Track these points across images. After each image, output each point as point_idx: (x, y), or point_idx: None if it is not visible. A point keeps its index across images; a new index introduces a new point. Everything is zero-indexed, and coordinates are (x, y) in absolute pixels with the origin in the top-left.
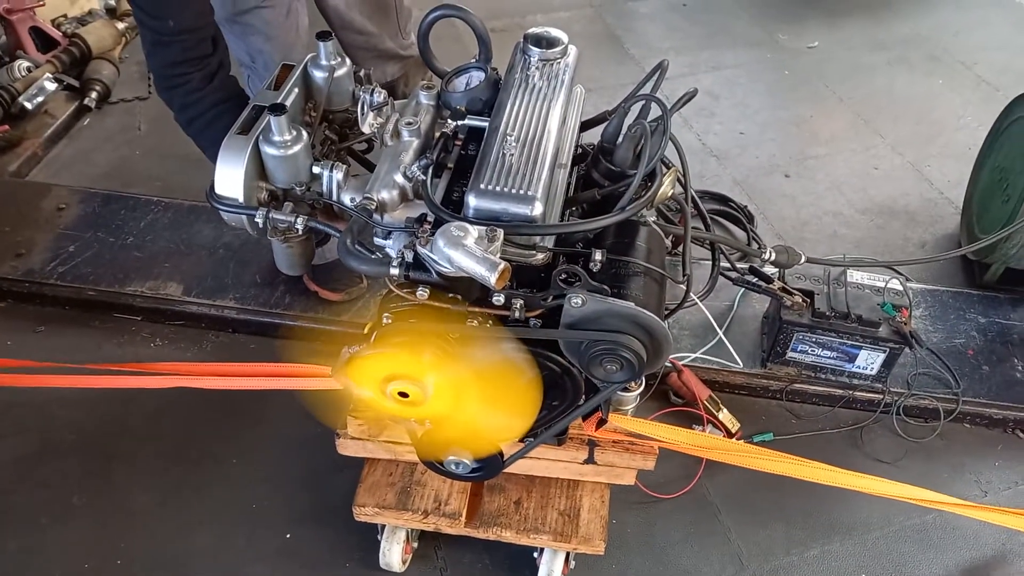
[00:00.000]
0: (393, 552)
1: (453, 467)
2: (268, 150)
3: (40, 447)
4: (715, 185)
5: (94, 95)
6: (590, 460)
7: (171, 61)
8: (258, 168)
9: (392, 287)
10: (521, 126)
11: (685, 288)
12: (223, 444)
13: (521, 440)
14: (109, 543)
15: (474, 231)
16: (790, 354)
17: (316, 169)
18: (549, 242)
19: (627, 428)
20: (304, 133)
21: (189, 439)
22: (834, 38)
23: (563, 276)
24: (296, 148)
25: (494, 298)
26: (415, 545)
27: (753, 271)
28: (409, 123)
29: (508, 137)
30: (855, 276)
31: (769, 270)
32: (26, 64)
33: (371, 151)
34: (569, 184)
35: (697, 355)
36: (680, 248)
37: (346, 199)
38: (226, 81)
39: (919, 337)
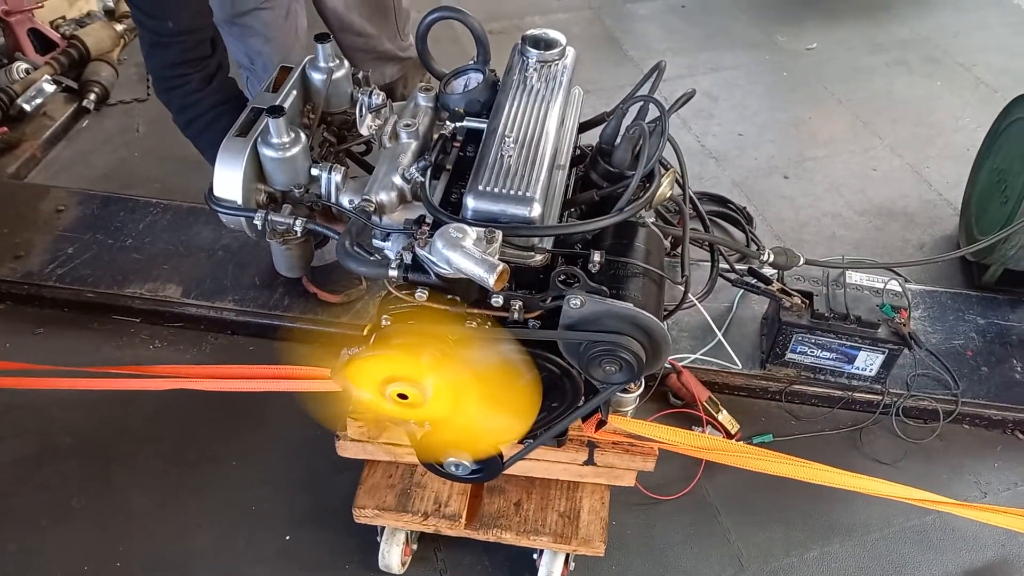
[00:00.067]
0: (393, 554)
1: (453, 469)
2: (267, 152)
3: (40, 449)
4: (714, 186)
5: (93, 97)
6: (590, 461)
7: (170, 62)
8: (257, 170)
9: (391, 289)
10: (519, 128)
11: (684, 289)
12: (222, 446)
13: (521, 442)
14: (109, 545)
15: (473, 232)
16: (789, 355)
17: (315, 171)
18: (548, 243)
19: (627, 429)
20: (303, 135)
21: (188, 441)
22: (833, 40)
23: (562, 277)
24: (295, 150)
25: (493, 299)
26: (415, 547)
27: (752, 272)
28: (407, 125)
29: (506, 138)
30: (854, 277)
31: (768, 271)
32: (25, 66)
33: (369, 153)
34: (567, 185)
35: (696, 356)
36: (679, 249)
37: (345, 201)
38: (225, 83)
39: (918, 338)
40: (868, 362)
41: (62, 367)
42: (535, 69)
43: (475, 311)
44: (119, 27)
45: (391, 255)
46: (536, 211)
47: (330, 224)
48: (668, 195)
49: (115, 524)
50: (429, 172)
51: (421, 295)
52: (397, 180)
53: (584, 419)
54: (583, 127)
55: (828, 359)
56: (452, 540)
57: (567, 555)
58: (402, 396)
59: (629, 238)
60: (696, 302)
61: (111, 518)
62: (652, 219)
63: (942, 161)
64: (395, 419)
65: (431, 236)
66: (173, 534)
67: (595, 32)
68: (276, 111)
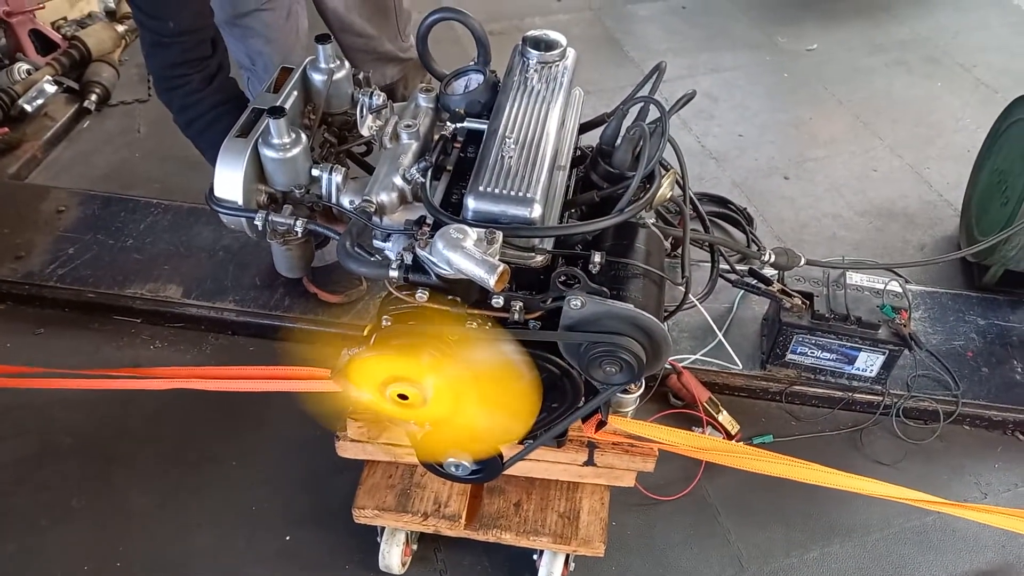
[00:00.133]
0: (393, 554)
1: (453, 469)
2: (267, 153)
3: (40, 449)
4: (714, 187)
5: (94, 97)
6: (590, 462)
7: (171, 62)
8: (257, 171)
9: (391, 289)
10: (520, 128)
11: (684, 290)
12: (223, 446)
13: (520, 442)
14: (108, 545)
15: (473, 233)
16: (789, 356)
17: (315, 172)
18: (548, 244)
19: (626, 430)
20: (303, 136)
21: (189, 441)
22: (833, 40)
23: (562, 278)
24: (295, 151)
25: (493, 300)
26: (415, 547)
27: (752, 273)
28: (408, 126)
29: (507, 139)
30: (854, 278)
31: (768, 272)
32: (26, 67)
33: (370, 154)
34: (568, 186)
35: (696, 357)
36: (679, 250)
37: (345, 201)
38: (225, 83)
39: (918, 339)
40: (868, 363)
41: (62, 368)
42: (536, 70)
43: (475, 312)
44: (120, 28)
45: (391, 256)
46: (536, 212)
47: (331, 225)
48: (668, 196)
49: (115, 524)
50: (430, 173)
51: (421, 296)
52: (398, 181)
53: (584, 420)
54: (583, 128)
55: (828, 360)
56: (452, 540)
57: (567, 556)
58: (402, 397)
59: (629, 239)
60: (696, 303)
61: (111, 518)
62: (652, 220)
63: (942, 162)
64: (395, 419)
65: (432, 237)
66: (173, 534)
67: (596, 33)
68: (277, 112)
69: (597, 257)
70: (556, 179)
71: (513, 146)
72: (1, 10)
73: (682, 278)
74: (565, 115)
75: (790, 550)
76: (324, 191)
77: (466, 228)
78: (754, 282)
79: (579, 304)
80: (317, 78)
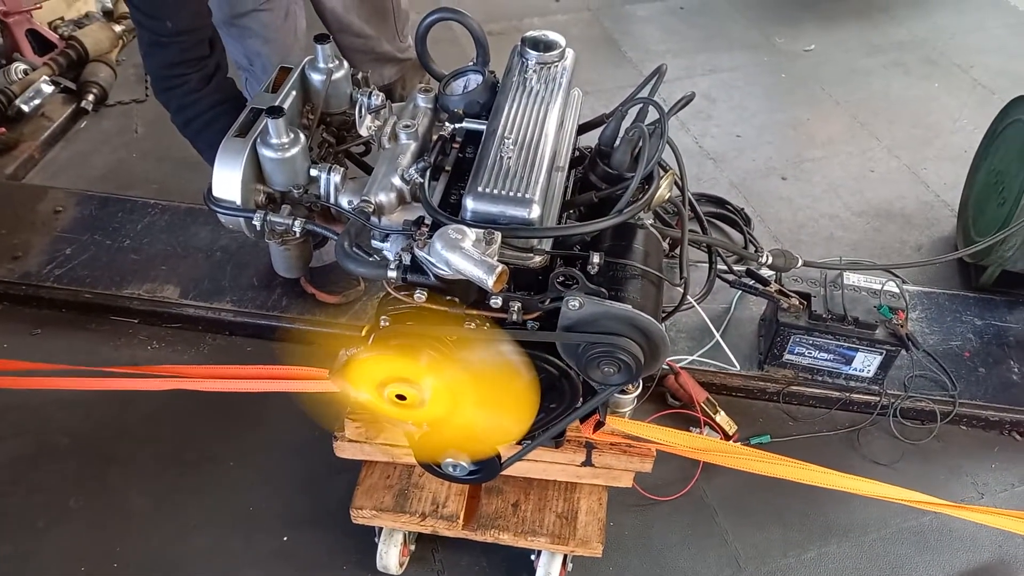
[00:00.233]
0: (390, 555)
1: (450, 469)
2: (266, 153)
3: (37, 449)
4: (712, 188)
5: (91, 98)
6: (587, 462)
7: (169, 62)
8: (256, 171)
9: (390, 290)
10: (518, 129)
11: (682, 291)
12: (220, 447)
13: (519, 442)
14: (106, 546)
15: (472, 234)
16: (787, 356)
17: (314, 172)
18: (547, 245)
19: (624, 430)
20: (302, 136)
21: (186, 442)
22: (831, 41)
23: (560, 279)
24: (294, 151)
25: (492, 301)
26: (412, 548)
27: (750, 274)
28: (407, 126)
29: (506, 140)
30: (852, 279)
31: (766, 273)
32: (23, 67)
33: (368, 154)
34: (567, 187)
35: (694, 357)
36: (677, 251)
37: (343, 202)
38: (224, 83)
39: (915, 339)
40: (866, 363)
41: (60, 367)
42: (534, 71)
43: (474, 312)
44: (117, 28)
45: (390, 256)
46: (535, 212)
47: (329, 225)
48: (667, 197)
49: (112, 525)
50: (428, 173)
51: (420, 296)
52: (396, 181)
53: (582, 420)
54: (582, 129)
55: (826, 360)
56: (450, 541)
57: (565, 556)
58: (400, 397)
59: (628, 240)
60: (694, 303)
61: (108, 519)
62: (651, 221)
63: (940, 162)
64: (393, 420)
65: (430, 237)
66: (170, 535)
67: (594, 34)
68: (275, 111)
69: (595, 258)
70: (555, 180)
71: (512, 147)
72: None
73: (680, 279)
74: (564, 116)
75: (787, 550)
76: (322, 191)
77: (465, 228)
78: (752, 283)
79: (577, 305)
80: (316, 78)
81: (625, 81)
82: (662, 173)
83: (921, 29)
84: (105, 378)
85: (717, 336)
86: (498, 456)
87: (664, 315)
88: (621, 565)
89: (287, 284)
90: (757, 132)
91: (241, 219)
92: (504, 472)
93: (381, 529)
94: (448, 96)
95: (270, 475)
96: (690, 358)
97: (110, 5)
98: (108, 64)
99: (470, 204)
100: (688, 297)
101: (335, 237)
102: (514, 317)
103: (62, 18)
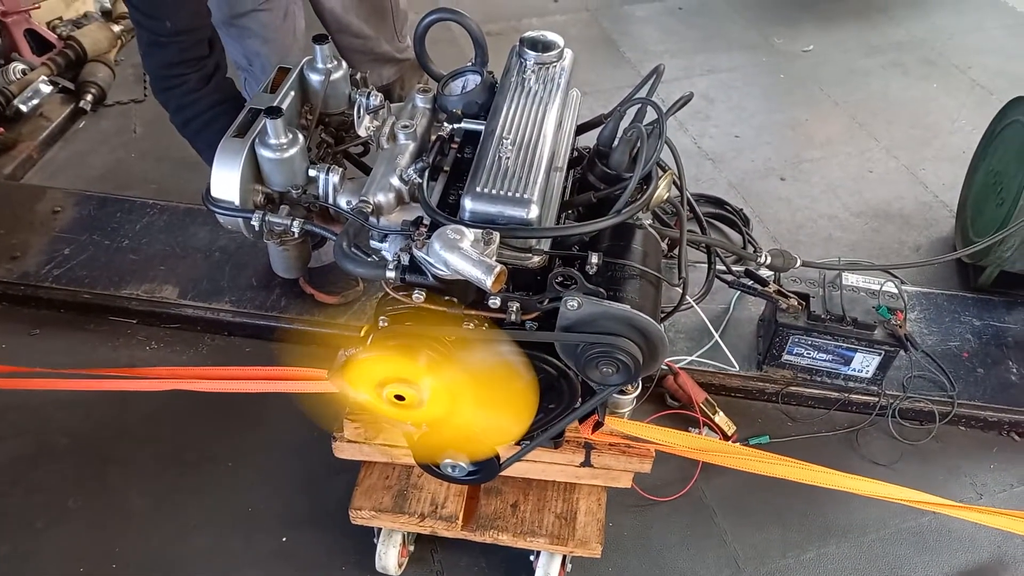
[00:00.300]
0: (389, 555)
1: (449, 470)
2: (264, 153)
3: (36, 450)
4: (711, 188)
5: (90, 98)
6: (586, 463)
7: (168, 62)
8: (254, 171)
9: (388, 290)
10: (517, 129)
11: (681, 291)
12: (219, 447)
13: (517, 443)
14: (104, 546)
15: (470, 234)
16: (786, 357)
17: (312, 172)
18: (545, 245)
19: (623, 431)
20: (300, 136)
21: (185, 442)
22: (829, 42)
23: (559, 279)
24: (292, 151)
25: (490, 301)
26: (411, 548)
27: (749, 274)
28: (405, 126)
29: (504, 140)
30: (850, 279)
31: (765, 273)
32: (21, 67)
33: (367, 154)
34: (565, 187)
35: (693, 358)
36: (676, 251)
37: (342, 202)
38: (222, 83)
39: (914, 340)
40: (864, 364)
41: (59, 368)
42: (533, 71)
43: (472, 312)
44: (116, 28)
45: (388, 256)
46: (534, 213)
47: (327, 225)
48: (665, 197)
49: (111, 525)
50: (427, 173)
51: (418, 296)
52: (395, 181)
53: (581, 420)
54: (581, 129)
55: (824, 361)
56: (449, 541)
57: (564, 557)
58: (399, 397)
59: (626, 240)
60: (693, 304)
61: (107, 519)
62: (649, 221)
63: (938, 163)
64: (392, 420)
65: (429, 237)
66: (169, 535)
67: (592, 34)
68: (274, 112)
69: (594, 258)
70: (553, 180)
71: (510, 147)
72: None
73: (679, 279)
74: (562, 116)
75: (787, 551)
76: (321, 191)
77: (463, 229)
78: (750, 283)
79: (576, 305)
80: (314, 78)
81: (624, 81)
82: (660, 173)
83: (920, 30)
84: (104, 379)
85: (716, 336)
86: (497, 457)
87: (663, 315)
88: (620, 566)
89: (286, 284)
90: (756, 132)
91: (240, 219)
92: (503, 473)
93: (380, 530)
94: (447, 96)
95: (269, 475)
96: (689, 358)
97: (109, 5)
98: (107, 64)
99: (468, 204)
100: (687, 297)
101: (334, 237)
102: (513, 317)
103: (60, 18)
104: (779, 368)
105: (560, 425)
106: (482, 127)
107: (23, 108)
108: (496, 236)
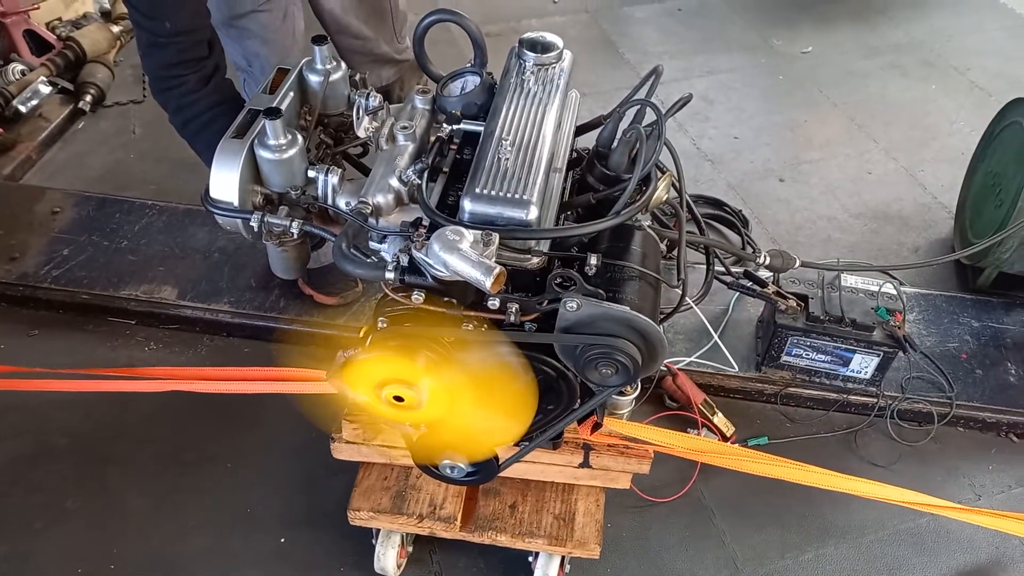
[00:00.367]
0: (388, 556)
1: (448, 471)
2: (263, 154)
3: (35, 450)
4: (710, 189)
5: (89, 98)
6: (585, 464)
7: (167, 63)
8: (253, 172)
9: (387, 291)
10: (516, 130)
11: (680, 292)
12: (218, 448)
13: (516, 444)
14: (103, 546)
15: (469, 235)
16: (785, 358)
17: (311, 173)
18: (544, 246)
19: (622, 432)
20: (299, 137)
21: (184, 443)
22: (828, 43)
23: (558, 280)
24: (291, 152)
25: (489, 302)
26: (410, 549)
27: (748, 275)
28: (404, 127)
29: (503, 141)
30: (849, 280)
31: (763, 274)
32: (20, 67)
33: (366, 155)
34: (564, 188)
35: (692, 359)
36: (675, 252)
37: (341, 203)
38: (222, 84)
39: (913, 341)
40: (863, 365)
41: (58, 369)
42: (532, 72)
43: (471, 314)
44: (115, 29)
45: (388, 257)
46: (533, 214)
47: (327, 226)
48: (664, 198)
49: (110, 525)
50: (426, 174)
51: (417, 297)
52: (394, 182)
53: (580, 422)
54: (580, 130)
55: (823, 362)
56: (447, 542)
57: (562, 557)
58: (398, 399)
59: (625, 241)
60: (692, 305)
61: (107, 519)
62: (648, 222)
63: (937, 164)
64: (391, 421)
65: (428, 238)
66: (168, 536)
67: (592, 35)
68: (273, 113)
69: (593, 259)
70: (552, 181)
71: (509, 148)
72: None
73: (678, 280)
74: (561, 117)
75: (785, 552)
76: (320, 192)
77: (462, 230)
78: (749, 284)
79: (575, 306)
80: (313, 79)
81: (623, 82)
82: (660, 174)
83: (918, 31)
84: (103, 380)
85: (715, 337)
86: (496, 458)
87: (662, 316)
88: (619, 566)
89: (285, 285)
90: (755, 134)
91: (239, 220)
92: (502, 474)
93: (378, 531)
94: (446, 97)
95: (268, 476)
96: (688, 359)
97: (108, 6)
98: (106, 65)
99: (468, 205)
100: (686, 298)
101: (333, 238)
102: (512, 318)
103: (60, 19)
104: (778, 369)
105: (559, 426)
106: (481, 128)
107: (22, 109)
108: (495, 237)
